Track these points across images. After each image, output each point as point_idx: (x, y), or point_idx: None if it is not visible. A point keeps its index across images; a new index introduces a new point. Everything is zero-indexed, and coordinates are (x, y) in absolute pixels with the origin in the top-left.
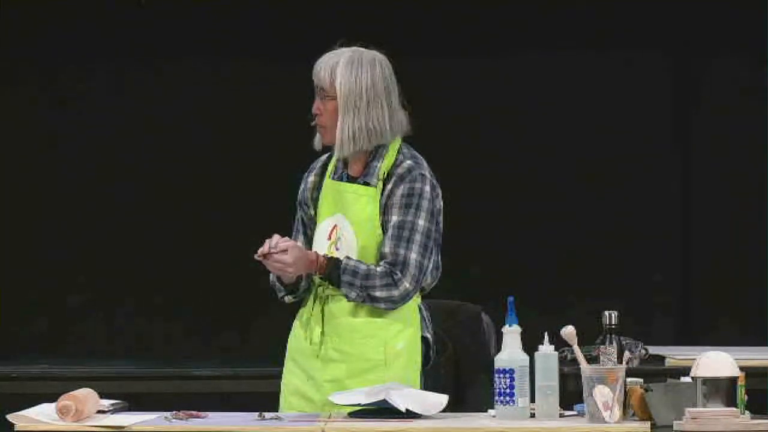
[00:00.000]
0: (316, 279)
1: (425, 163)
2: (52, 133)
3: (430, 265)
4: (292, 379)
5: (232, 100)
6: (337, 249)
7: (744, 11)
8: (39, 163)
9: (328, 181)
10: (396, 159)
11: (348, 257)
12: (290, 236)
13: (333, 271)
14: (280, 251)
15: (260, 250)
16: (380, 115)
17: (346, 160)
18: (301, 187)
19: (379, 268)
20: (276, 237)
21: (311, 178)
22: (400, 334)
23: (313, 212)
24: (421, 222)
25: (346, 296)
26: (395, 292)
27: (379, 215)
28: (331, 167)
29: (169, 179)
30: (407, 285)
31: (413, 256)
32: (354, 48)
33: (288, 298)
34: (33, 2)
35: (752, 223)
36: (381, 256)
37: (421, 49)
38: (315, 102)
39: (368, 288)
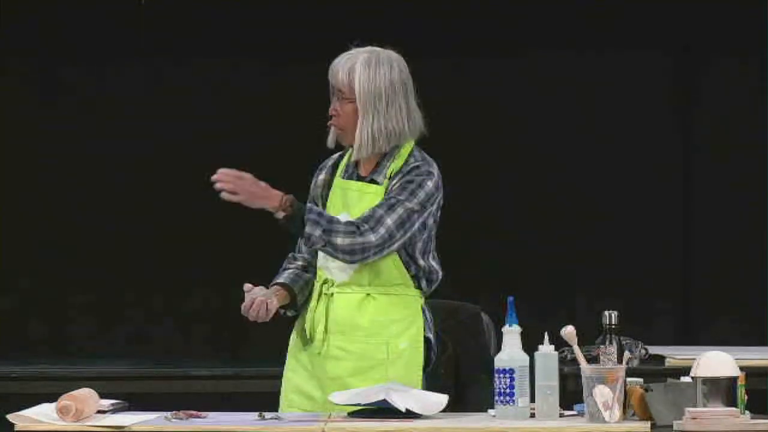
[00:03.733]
0: (320, 276)
1: (435, 165)
2: (51, 131)
3: (398, 243)
4: (293, 376)
5: (232, 99)
6: None
7: (744, 12)
8: (39, 162)
9: (337, 180)
10: (406, 160)
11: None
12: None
13: (298, 210)
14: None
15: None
16: (399, 116)
17: (358, 160)
18: (312, 185)
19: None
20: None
21: (322, 176)
22: (404, 334)
23: None
24: (409, 204)
25: (309, 236)
26: (358, 239)
27: None
28: (342, 166)
29: (170, 179)
30: (372, 237)
31: (389, 221)
32: (370, 48)
33: (289, 313)
34: (32, 1)
35: (752, 222)
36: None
37: (418, 49)
38: (332, 103)
39: (331, 232)
